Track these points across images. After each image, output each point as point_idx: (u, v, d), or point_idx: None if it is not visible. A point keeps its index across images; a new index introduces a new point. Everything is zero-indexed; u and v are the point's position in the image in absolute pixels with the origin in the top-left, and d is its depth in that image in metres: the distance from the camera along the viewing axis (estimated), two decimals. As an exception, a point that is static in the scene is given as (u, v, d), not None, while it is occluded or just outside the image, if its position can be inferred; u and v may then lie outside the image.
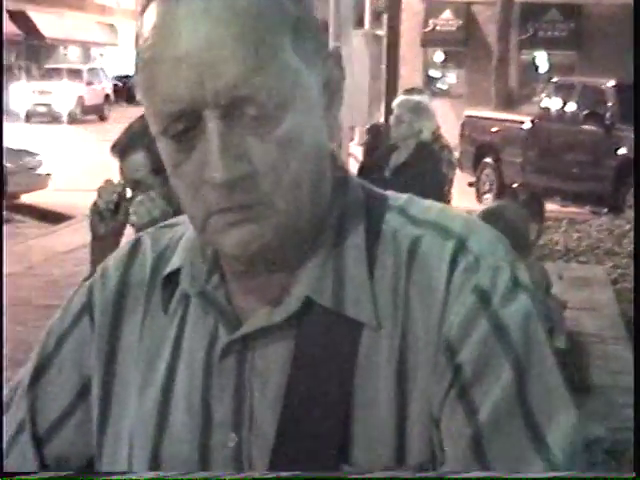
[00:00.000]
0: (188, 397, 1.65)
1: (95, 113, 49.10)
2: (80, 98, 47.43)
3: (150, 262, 1.74)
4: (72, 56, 70.71)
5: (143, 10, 1.53)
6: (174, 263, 1.68)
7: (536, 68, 41.83)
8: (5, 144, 22.41)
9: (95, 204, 4.34)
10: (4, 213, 15.89)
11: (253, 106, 1.48)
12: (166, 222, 1.81)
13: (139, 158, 4.33)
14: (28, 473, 1.61)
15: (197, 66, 1.46)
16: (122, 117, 39.69)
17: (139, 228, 4.41)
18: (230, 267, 1.63)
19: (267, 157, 1.50)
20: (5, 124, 15.70)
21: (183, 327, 1.68)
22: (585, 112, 21.89)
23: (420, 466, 1.55)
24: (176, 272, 1.68)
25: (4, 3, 11.65)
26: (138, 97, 1.58)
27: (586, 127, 21.79)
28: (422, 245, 1.58)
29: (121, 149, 4.38)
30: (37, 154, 21.66)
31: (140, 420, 1.69)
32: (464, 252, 1.56)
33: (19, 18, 61.72)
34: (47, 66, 49.24)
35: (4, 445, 1.81)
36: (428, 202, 1.68)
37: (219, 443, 1.62)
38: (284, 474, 1.52)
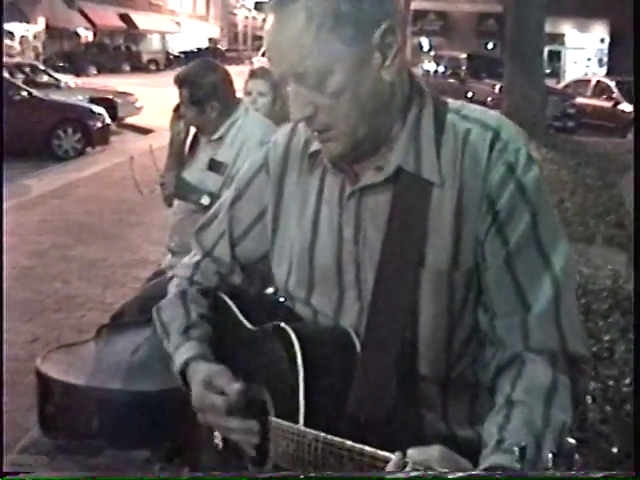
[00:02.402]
0: (329, 222, 1.64)
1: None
2: None
3: (303, 138, 1.72)
4: (155, 40, 69.59)
5: None
6: (318, 144, 1.64)
7: (421, 47, 42.29)
8: (115, 86, 22.31)
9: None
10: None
11: (308, 76, 1.50)
12: None
13: (184, 91, 4.05)
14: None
15: (276, 55, 1.54)
16: None
17: (171, 138, 4.35)
18: None
19: (324, 103, 1.52)
20: None
21: (323, 181, 1.67)
22: (449, 72, 22.31)
23: (469, 270, 1.53)
24: (318, 150, 1.65)
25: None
26: None
27: (450, 80, 22.19)
28: (471, 134, 1.56)
29: (176, 81, 4.11)
30: (134, 94, 21.36)
31: (299, 233, 1.67)
32: (498, 139, 1.54)
33: (124, 17, 60.89)
34: None
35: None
36: (474, 106, 1.65)
37: (347, 252, 1.61)
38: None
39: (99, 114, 16.60)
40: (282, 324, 1.56)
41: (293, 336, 1.50)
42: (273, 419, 1.55)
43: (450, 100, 1.67)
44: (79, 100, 18.42)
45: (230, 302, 1.78)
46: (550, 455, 1.03)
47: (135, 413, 3.11)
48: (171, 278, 1.91)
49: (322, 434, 1.40)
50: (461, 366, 1.58)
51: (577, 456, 1.00)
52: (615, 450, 3.12)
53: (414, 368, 1.55)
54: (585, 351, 1.54)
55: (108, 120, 16.82)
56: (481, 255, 1.53)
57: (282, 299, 1.72)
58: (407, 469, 1.20)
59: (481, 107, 1.66)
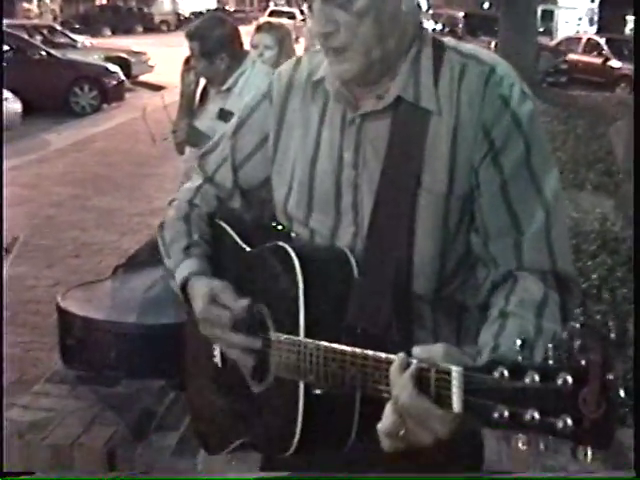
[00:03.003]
0: (330, 146, 1.62)
1: None
2: None
3: (306, 71, 1.68)
4: (166, 2, 68.69)
5: None
6: (321, 73, 1.63)
7: (420, 7, 41.67)
8: (129, 46, 22.23)
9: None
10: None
11: None
12: (318, 49, 1.72)
13: (195, 44, 4.03)
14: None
15: None
16: None
17: (182, 90, 4.33)
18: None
19: (347, 21, 1.49)
20: None
21: (326, 108, 1.63)
22: (447, 29, 22.05)
23: (464, 195, 1.51)
24: (321, 79, 1.63)
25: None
26: None
27: (447, 38, 21.82)
28: (468, 69, 1.53)
29: (187, 35, 4.12)
30: (147, 53, 21.34)
31: (300, 156, 1.66)
32: (494, 74, 1.51)
33: (136, -20, 60.41)
34: None
35: None
36: (469, 45, 1.63)
37: (347, 175, 1.59)
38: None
39: (114, 72, 16.63)
40: (280, 243, 1.55)
41: (292, 253, 1.49)
42: (273, 333, 1.54)
43: (447, 39, 1.64)
44: (95, 59, 18.39)
45: (227, 227, 1.77)
46: (550, 346, 1.03)
47: (150, 345, 3.13)
48: (172, 201, 1.88)
49: (323, 343, 1.40)
50: (452, 287, 1.58)
51: (578, 342, 0.99)
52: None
53: (408, 286, 1.54)
54: (573, 271, 1.54)
55: (122, 78, 16.86)
56: (475, 182, 1.51)
57: (279, 226, 1.71)
58: (412, 367, 1.19)
59: (476, 46, 1.64)
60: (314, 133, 1.64)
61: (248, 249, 1.68)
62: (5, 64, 14.89)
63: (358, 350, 1.32)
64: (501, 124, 1.49)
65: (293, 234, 1.68)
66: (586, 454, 0.98)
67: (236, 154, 1.78)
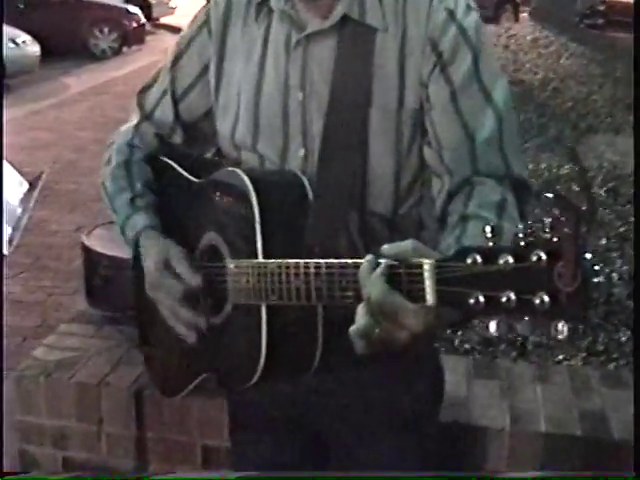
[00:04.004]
0: (275, 69, 1.59)
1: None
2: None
3: None
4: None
5: None
6: None
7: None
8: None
9: None
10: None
11: None
12: None
13: None
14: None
15: None
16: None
17: None
18: None
19: None
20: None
21: (269, 30, 1.60)
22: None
23: (415, 110, 1.52)
24: None
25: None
26: None
27: None
28: None
29: None
30: (168, -5, 21.35)
31: (245, 82, 1.61)
32: None
33: None
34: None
35: None
36: None
37: (293, 98, 1.57)
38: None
39: (134, 14, 16.60)
40: (230, 168, 1.52)
41: (244, 176, 1.46)
42: (230, 260, 1.51)
43: None
44: (115, 1, 18.30)
45: (172, 162, 1.73)
46: (521, 226, 1.01)
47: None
48: (110, 144, 1.82)
49: (285, 260, 1.36)
50: (408, 204, 1.59)
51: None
52: None
53: (364, 206, 1.55)
54: (526, 176, 1.55)
55: (143, 20, 16.84)
56: (425, 95, 1.52)
57: (224, 161, 1.67)
58: (382, 266, 1.17)
59: None
60: (258, 57, 1.61)
61: (195, 180, 1.65)
62: (24, 6, 14.93)
63: (322, 261, 1.29)
64: (448, 36, 1.50)
65: (242, 163, 1.64)
66: (561, 329, 0.96)
67: (176, 86, 1.74)
